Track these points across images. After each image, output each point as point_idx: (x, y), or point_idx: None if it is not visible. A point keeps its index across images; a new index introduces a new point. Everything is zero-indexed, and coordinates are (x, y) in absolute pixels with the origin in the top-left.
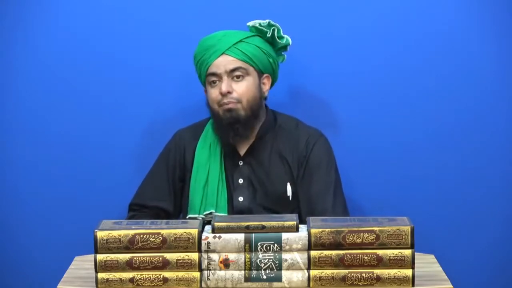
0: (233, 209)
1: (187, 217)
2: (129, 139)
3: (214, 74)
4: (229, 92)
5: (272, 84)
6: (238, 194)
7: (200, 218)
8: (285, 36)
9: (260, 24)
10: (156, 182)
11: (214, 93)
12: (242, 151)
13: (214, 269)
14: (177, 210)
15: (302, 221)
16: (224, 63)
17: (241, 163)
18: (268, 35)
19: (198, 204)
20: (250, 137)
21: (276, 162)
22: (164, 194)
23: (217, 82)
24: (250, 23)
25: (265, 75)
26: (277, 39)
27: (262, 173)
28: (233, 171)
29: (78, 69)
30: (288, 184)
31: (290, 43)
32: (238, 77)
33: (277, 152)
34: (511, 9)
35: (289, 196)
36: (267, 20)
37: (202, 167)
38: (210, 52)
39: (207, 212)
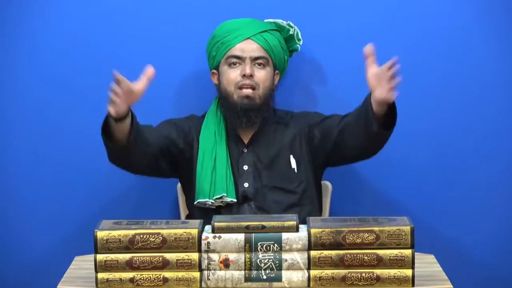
0: (239, 195)
1: (195, 202)
2: None
3: (237, 57)
4: (251, 75)
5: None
6: (243, 180)
7: (210, 203)
8: (301, 39)
9: (282, 22)
10: (157, 129)
11: (233, 73)
12: (246, 139)
13: (214, 269)
14: (153, 161)
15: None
16: (249, 48)
17: (245, 150)
18: (291, 32)
19: (207, 189)
20: (254, 126)
21: (279, 142)
22: (160, 136)
23: (238, 64)
24: (270, 20)
25: (276, 71)
26: (296, 41)
27: (266, 157)
28: (238, 158)
29: (79, 68)
30: (291, 156)
31: (299, 50)
32: (259, 64)
33: (280, 134)
34: (510, 8)
35: (294, 169)
36: (288, 21)
37: (208, 153)
38: (235, 34)
39: (218, 196)
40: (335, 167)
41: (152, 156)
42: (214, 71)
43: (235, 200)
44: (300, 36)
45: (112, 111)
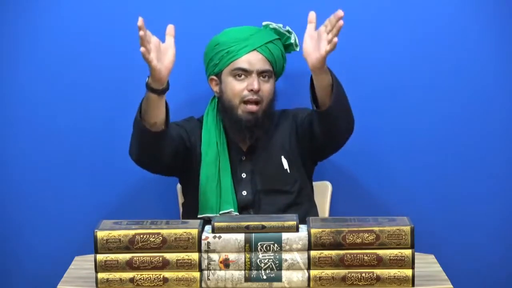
0: (238, 203)
1: (199, 216)
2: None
3: (244, 70)
4: (258, 90)
5: None
6: (241, 189)
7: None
8: (298, 45)
9: (280, 28)
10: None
11: (239, 86)
12: (245, 146)
13: (214, 269)
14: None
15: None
16: (255, 61)
17: (243, 158)
18: (291, 41)
19: (214, 204)
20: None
21: (272, 144)
22: (176, 131)
23: (244, 76)
24: (270, 25)
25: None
26: (294, 47)
27: (262, 164)
28: (237, 166)
29: (81, 68)
30: (282, 157)
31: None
32: (264, 77)
33: (273, 134)
34: (510, 6)
35: (286, 169)
36: (285, 26)
37: (212, 165)
38: (241, 45)
39: (226, 211)
40: (335, 166)
41: (175, 149)
42: (214, 77)
43: (238, 214)
44: (297, 42)
45: (149, 58)
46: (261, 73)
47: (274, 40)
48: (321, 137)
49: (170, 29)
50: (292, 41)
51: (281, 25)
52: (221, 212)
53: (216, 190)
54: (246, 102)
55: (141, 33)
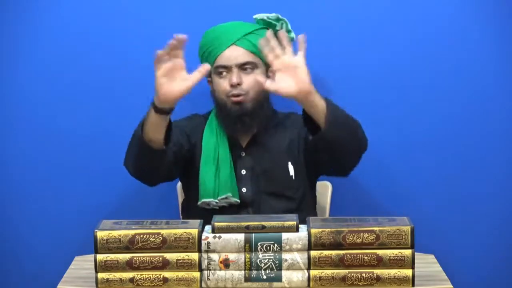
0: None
1: (199, 202)
2: None
3: (223, 66)
4: (238, 84)
5: None
6: (241, 185)
7: (215, 203)
8: (292, 30)
9: (268, 18)
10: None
11: (223, 84)
12: (244, 142)
13: (214, 269)
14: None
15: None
16: (234, 55)
17: (243, 154)
18: (278, 28)
19: (211, 189)
20: (252, 129)
21: (278, 148)
22: (175, 143)
23: (225, 73)
24: (258, 16)
25: (270, 68)
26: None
27: (264, 162)
28: (236, 162)
29: (82, 68)
30: (289, 163)
31: (295, 39)
32: (245, 69)
33: (279, 138)
34: (510, 6)
35: (292, 176)
36: (275, 14)
37: (211, 154)
38: (219, 41)
39: (223, 197)
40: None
41: (172, 164)
42: (209, 78)
43: (238, 201)
44: (290, 28)
45: (156, 66)
46: (241, 66)
47: (255, 31)
48: (325, 159)
49: (205, 68)
50: (279, 28)
51: (268, 15)
52: (219, 198)
53: (215, 176)
54: (232, 96)
55: (168, 48)
